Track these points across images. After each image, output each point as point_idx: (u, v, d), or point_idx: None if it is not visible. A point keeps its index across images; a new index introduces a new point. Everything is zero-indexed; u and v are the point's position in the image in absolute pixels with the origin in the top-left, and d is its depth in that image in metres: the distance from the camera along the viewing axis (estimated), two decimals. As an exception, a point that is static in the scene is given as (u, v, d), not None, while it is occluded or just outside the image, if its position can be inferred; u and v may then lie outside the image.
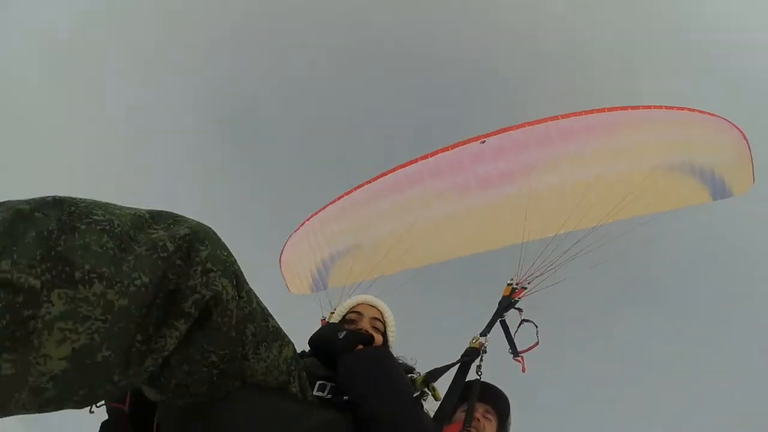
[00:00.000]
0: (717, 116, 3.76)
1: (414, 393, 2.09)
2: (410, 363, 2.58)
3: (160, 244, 1.21)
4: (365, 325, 2.50)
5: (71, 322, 1.07)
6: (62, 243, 1.09)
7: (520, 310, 3.12)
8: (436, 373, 2.47)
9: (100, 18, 12.26)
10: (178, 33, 12.60)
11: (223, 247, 1.35)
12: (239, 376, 1.40)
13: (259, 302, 1.47)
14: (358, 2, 12.64)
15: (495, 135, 3.43)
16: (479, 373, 2.67)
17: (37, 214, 1.11)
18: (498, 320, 3.02)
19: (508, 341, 3.01)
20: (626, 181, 3.64)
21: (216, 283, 1.26)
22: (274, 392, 1.52)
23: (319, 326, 3.42)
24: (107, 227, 1.17)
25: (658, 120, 3.60)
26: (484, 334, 2.85)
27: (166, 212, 1.37)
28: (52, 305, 1.05)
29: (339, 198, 4.00)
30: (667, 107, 3.57)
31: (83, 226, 1.14)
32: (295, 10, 12.58)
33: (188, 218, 1.38)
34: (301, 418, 1.56)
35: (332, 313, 3.56)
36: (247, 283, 1.43)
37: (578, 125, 3.41)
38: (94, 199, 1.26)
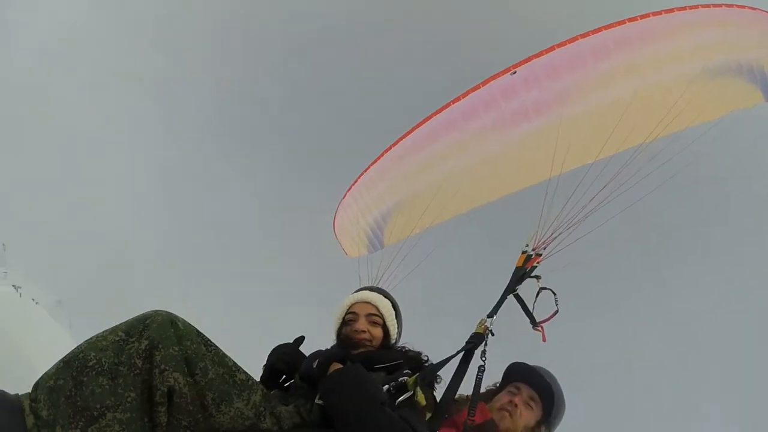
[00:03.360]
0: (756, 9, 3.58)
1: (383, 398, 2.10)
2: (415, 349, 2.61)
3: (134, 362, 1.83)
4: (361, 324, 2.65)
5: None
6: (79, 398, 1.77)
7: (537, 277, 2.95)
8: (431, 371, 2.40)
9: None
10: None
11: (175, 342, 1.89)
12: (211, 430, 1.91)
13: (219, 367, 1.96)
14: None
15: (524, 64, 3.42)
16: (483, 358, 2.57)
17: (60, 381, 1.79)
18: (509, 295, 2.87)
19: (526, 313, 2.86)
20: (667, 92, 3.53)
21: (169, 378, 1.84)
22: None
23: None
24: (99, 369, 1.80)
25: (691, 22, 3.46)
26: (491, 314, 2.73)
27: (137, 320, 1.93)
28: None
29: (380, 157, 4.11)
30: (695, 7, 3.43)
31: (85, 378, 1.79)
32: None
33: (153, 321, 1.91)
34: None
35: None
36: (204, 359, 1.93)
37: (609, 39, 3.34)
38: (88, 340, 1.89)
